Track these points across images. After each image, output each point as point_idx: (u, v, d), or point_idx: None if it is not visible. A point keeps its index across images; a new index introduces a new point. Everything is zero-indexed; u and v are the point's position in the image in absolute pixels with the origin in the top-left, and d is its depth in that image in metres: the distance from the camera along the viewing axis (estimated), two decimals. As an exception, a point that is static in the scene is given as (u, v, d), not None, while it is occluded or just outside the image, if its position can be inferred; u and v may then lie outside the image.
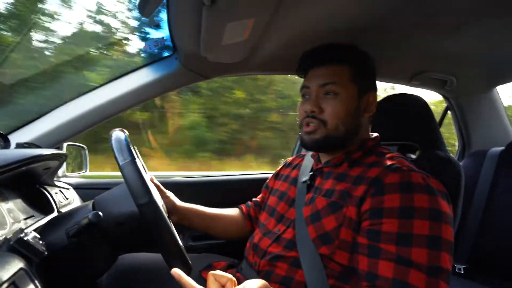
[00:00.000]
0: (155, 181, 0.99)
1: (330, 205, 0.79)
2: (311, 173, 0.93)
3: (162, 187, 1.01)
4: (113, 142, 0.73)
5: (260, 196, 1.18)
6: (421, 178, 0.72)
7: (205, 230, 1.09)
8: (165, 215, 0.71)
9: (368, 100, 0.88)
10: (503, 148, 1.45)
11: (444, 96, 1.69)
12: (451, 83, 1.46)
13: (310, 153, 1.02)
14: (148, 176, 0.87)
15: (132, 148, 0.74)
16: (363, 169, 0.81)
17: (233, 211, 1.15)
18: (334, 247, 0.75)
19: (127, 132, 0.78)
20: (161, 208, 0.71)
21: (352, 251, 0.73)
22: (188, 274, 0.73)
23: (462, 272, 1.37)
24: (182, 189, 1.10)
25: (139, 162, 0.74)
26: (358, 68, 0.87)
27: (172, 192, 1.04)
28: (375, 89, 0.91)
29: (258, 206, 1.15)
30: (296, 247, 0.81)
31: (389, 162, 0.79)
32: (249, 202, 1.19)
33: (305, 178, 0.94)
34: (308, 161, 1.00)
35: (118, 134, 0.75)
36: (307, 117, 0.86)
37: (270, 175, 1.17)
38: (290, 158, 1.14)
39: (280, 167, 1.15)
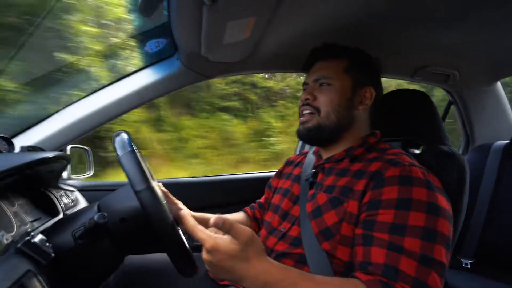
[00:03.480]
0: (163, 188, 0.98)
1: (331, 200, 0.80)
2: (313, 170, 0.94)
3: (170, 195, 0.99)
4: (115, 137, 0.74)
5: (263, 197, 1.18)
6: (421, 173, 0.73)
7: None
8: (163, 202, 0.70)
9: (364, 94, 0.91)
10: (508, 141, 1.44)
11: (447, 91, 1.68)
12: (454, 77, 1.45)
13: (312, 150, 1.02)
14: (155, 183, 0.87)
15: (133, 143, 0.75)
16: (363, 164, 0.82)
17: (239, 215, 1.15)
18: (336, 242, 0.75)
19: (130, 134, 0.78)
20: (159, 195, 0.70)
21: (352, 246, 0.74)
22: (195, 274, 0.74)
23: (469, 266, 1.36)
24: (182, 189, 1.10)
25: (140, 155, 0.75)
26: (353, 61, 0.91)
27: (172, 192, 1.03)
28: (373, 84, 0.92)
29: (262, 207, 1.15)
30: (302, 244, 0.81)
31: (390, 157, 0.80)
32: (253, 204, 1.19)
33: (307, 175, 0.94)
34: (310, 158, 1.01)
35: (120, 132, 0.76)
36: (302, 106, 0.92)
37: (270, 173, 1.17)
38: (293, 156, 1.14)
39: (282, 166, 1.15)
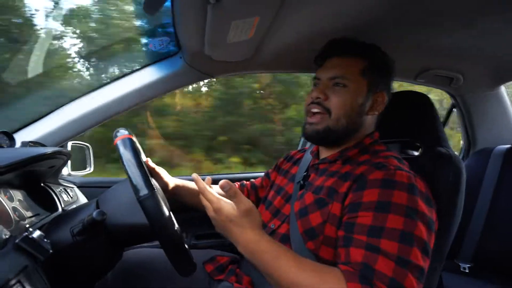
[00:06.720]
0: (150, 163, 1.01)
1: (317, 201, 0.80)
2: (305, 173, 0.94)
3: (156, 168, 1.02)
4: (124, 162, 0.72)
5: (258, 179, 1.17)
6: (406, 177, 0.72)
7: (196, 207, 1.07)
8: (183, 240, 0.72)
9: (377, 100, 0.88)
10: (509, 146, 1.44)
11: (450, 94, 1.67)
12: (458, 81, 1.44)
13: (310, 149, 1.02)
14: (143, 159, 0.87)
15: (142, 160, 0.75)
16: (353, 167, 0.81)
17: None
18: (319, 242, 0.76)
19: (133, 135, 0.78)
20: (180, 234, 0.73)
21: (335, 247, 0.73)
22: (192, 273, 0.74)
23: (467, 270, 1.36)
24: None
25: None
26: (372, 63, 0.86)
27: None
28: (386, 90, 0.89)
29: (255, 188, 1.15)
30: (290, 242, 0.81)
31: (378, 160, 0.79)
32: (245, 182, 1.19)
33: (299, 177, 0.94)
34: (307, 158, 1.00)
35: (125, 148, 0.74)
36: (312, 103, 0.87)
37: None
38: (293, 152, 1.13)
39: (281, 159, 1.14)
